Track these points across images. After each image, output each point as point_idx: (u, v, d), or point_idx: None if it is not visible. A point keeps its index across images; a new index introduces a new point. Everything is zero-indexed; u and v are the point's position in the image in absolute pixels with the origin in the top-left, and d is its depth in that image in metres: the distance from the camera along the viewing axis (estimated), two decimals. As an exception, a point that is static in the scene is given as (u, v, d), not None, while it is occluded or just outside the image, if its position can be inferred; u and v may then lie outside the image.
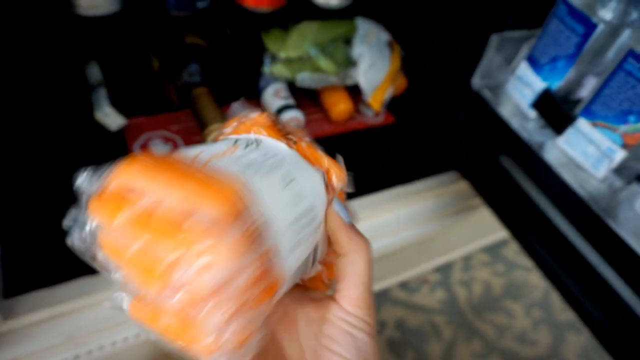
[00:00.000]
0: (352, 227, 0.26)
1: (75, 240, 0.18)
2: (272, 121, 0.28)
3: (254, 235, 0.20)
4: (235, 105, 0.29)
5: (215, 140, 0.27)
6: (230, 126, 0.28)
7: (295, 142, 0.27)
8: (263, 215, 0.21)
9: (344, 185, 0.27)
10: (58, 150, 0.56)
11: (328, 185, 0.26)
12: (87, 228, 0.18)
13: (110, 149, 0.63)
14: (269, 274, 0.20)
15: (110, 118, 0.58)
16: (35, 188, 0.55)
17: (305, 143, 0.27)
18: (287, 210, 0.23)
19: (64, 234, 0.18)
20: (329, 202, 0.26)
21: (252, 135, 0.27)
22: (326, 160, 0.26)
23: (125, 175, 0.19)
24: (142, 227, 0.18)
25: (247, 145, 0.25)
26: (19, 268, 0.54)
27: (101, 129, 0.61)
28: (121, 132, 0.63)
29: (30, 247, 0.55)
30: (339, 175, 0.26)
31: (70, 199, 0.18)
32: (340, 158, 0.27)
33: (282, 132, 0.27)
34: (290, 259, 0.23)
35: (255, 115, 0.28)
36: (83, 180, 0.18)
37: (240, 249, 0.19)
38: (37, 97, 0.50)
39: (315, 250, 0.26)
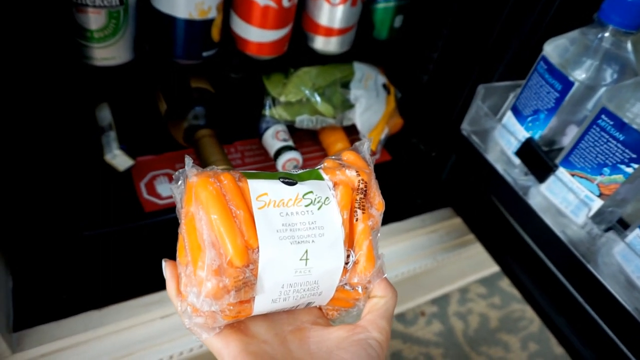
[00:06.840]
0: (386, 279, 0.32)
1: (174, 187, 0.29)
2: (363, 186, 0.31)
3: (244, 282, 0.27)
4: (359, 143, 0.34)
5: (323, 165, 0.33)
6: (336, 166, 0.32)
7: (363, 212, 0.31)
8: (259, 272, 0.27)
9: (366, 278, 0.31)
10: (67, 190, 0.60)
11: (344, 268, 0.30)
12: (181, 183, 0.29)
13: (116, 185, 0.66)
14: (243, 306, 0.28)
15: (119, 159, 0.62)
16: (45, 225, 0.58)
17: (372, 222, 0.31)
18: (285, 277, 0.28)
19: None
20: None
21: (329, 193, 0.30)
22: (365, 248, 0.30)
23: (197, 188, 0.27)
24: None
25: (311, 203, 0.29)
26: (28, 301, 0.57)
27: (109, 168, 0.64)
28: (128, 169, 0.66)
29: (39, 281, 0.58)
30: (363, 269, 0.30)
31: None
32: (382, 259, 0.32)
33: (361, 202, 0.31)
34: (267, 305, 0.29)
35: (353, 176, 0.31)
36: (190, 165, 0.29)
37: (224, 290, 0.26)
38: (48, 142, 0.54)
39: (310, 302, 0.31)
